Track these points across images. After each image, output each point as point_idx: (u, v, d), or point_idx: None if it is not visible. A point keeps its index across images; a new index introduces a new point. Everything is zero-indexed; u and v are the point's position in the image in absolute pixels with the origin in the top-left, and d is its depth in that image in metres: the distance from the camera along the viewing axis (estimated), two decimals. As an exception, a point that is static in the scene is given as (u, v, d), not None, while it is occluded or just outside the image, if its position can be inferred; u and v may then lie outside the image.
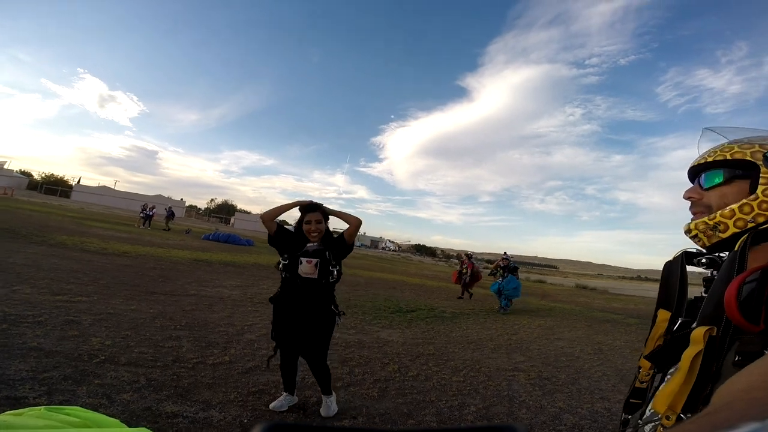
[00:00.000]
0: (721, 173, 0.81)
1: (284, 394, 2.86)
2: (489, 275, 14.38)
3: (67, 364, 2.93)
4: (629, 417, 0.96)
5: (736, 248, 0.70)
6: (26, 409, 1.00)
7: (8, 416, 0.94)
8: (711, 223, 0.80)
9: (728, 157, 0.80)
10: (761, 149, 0.77)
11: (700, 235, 0.82)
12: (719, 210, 0.79)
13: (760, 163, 0.75)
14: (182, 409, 2.55)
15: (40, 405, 1.07)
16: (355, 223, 2.79)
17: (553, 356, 5.55)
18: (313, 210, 2.71)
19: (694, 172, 0.89)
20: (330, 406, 2.81)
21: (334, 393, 2.89)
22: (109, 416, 1.07)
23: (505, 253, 11.22)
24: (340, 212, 2.84)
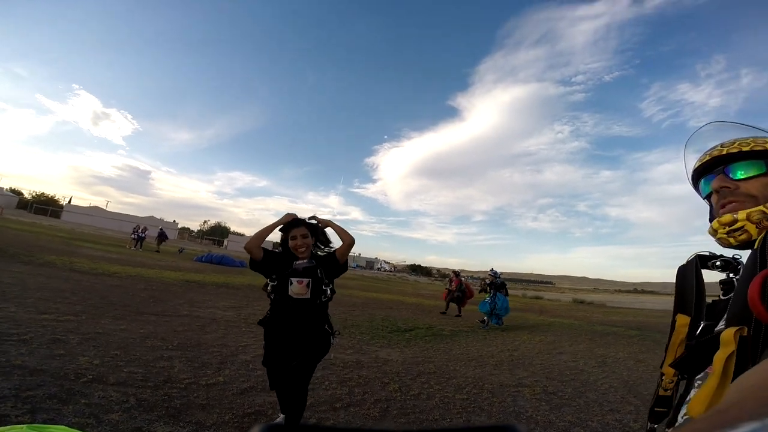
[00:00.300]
0: (761, 164, 0.78)
1: (281, 415, 2.70)
2: (480, 292, 14.31)
3: (53, 382, 2.78)
4: (655, 426, 0.92)
5: (756, 246, 0.68)
6: (8, 427, 0.98)
7: None
8: (756, 218, 0.74)
9: (757, 148, 0.78)
10: None
11: (748, 227, 0.75)
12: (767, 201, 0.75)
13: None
14: (174, 430, 2.40)
15: (23, 423, 1.01)
16: (348, 241, 2.61)
17: (557, 370, 5.43)
18: (297, 225, 2.53)
19: (718, 162, 0.84)
20: None
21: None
22: None
23: (492, 269, 11.19)
24: (338, 225, 2.67)
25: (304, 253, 2.49)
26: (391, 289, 21.49)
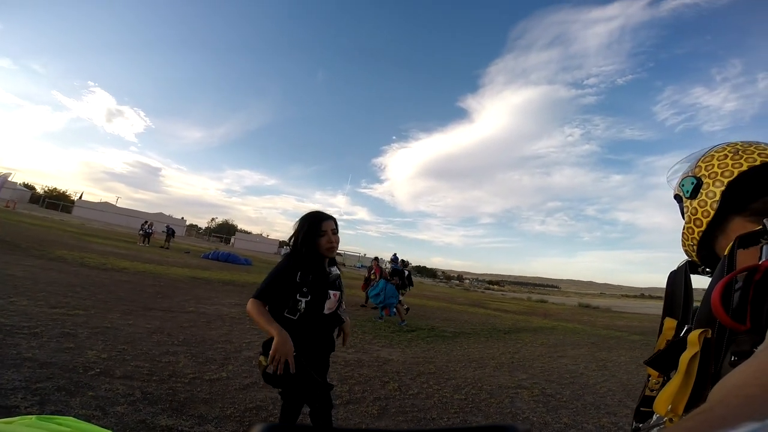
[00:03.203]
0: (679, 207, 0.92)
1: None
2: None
3: (62, 375, 2.88)
4: (640, 426, 0.96)
5: (725, 253, 0.73)
6: (17, 417, 1.00)
7: None
8: (684, 248, 0.91)
9: (675, 193, 0.92)
10: (681, 180, 0.88)
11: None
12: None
13: (681, 194, 0.87)
14: (177, 423, 2.48)
15: (32, 414, 1.07)
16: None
17: (557, 373, 5.45)
18: (328, 217, 2.05)
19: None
20: None
21: None
22: (102, 428, 1.05)
23: (394, 254, 10.48)
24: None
25: (333, 253, 2.09)
26: (395, 290, 21.52)
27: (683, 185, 0.85)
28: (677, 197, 0.90)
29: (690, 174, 0.85)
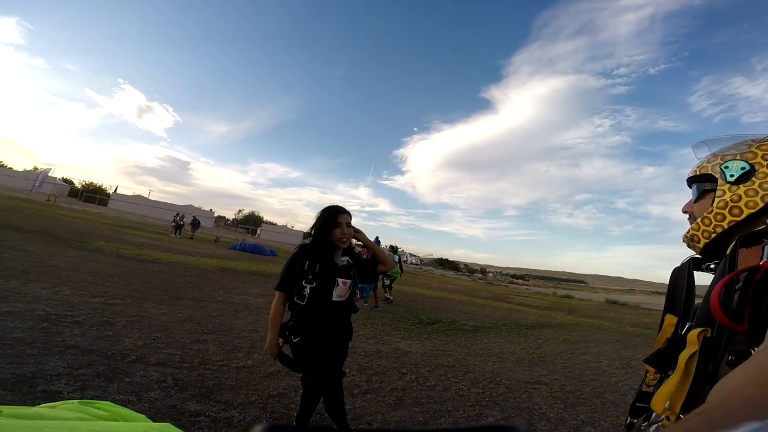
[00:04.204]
0: (695, 188, 0.90)
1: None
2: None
3: (101, 362, 3.10)
4: (635, 421, 0.98)
5: (728, 252, 0.73)
6: (60, 402, 1.08)
7: (43, 408, 1.03)
8: (689, 235, 0.88)
9: (698, 173, 0.88)
10: (721, 161, 0.82)
11: (691, 246, 0.90)
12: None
13: (718, 175, 0.82)
14: (205, 408, 2.65)
15: (74, 399, 1.16)
16: (391, 266, 2.42)
17: (578, 370, 5.40)
18: (344, 211, 2.20)
19: (689, 184, 0.96)
20: None
21: None
22: (137, 412, 1.16)
23: (376, 237, 10.10)
24: (378, 248, 2.36)
25: (346, 244, 2.21)
26: (416, 282, 21.60)
27: (728, 167, 0.80)
28: (704, 177, 0.85)
29: (739, 157, 0.79)
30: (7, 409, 0.95)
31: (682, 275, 0.95)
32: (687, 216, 0.95)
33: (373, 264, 2.38)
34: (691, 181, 0.91)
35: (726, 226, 0.78)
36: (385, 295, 9.97)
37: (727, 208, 0.78)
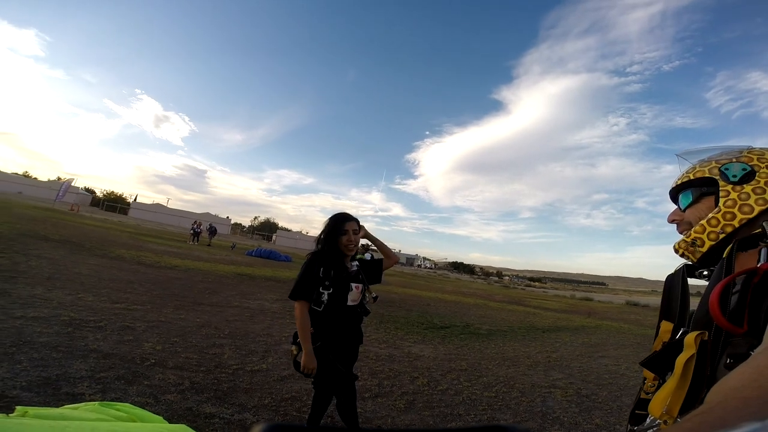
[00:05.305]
0: (689, 193, 0.90)
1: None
2: None
3: (121, 365, 3.22)
4: (635, 428, 0.97)
5: (724, 255, 0.75)
6: (82, 404, 1.16)
7: (66, 409, 1.10)
8: (689, 240, 0.87)
9: (692, 177, 0.89)
10: (717, 164, 0.84)
11: (686, 253, 0.89)
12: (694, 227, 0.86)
13: (718, 177, 0.83)
14: (219, 411, 2.72)
15: (95, 401, 1.22)
16: (396, 260, 2.57)
17: (595, 374, 5.32)
18: (350, 218, 2.29)
19: (673, 196, 0.98)
20: None
21: None
22: (154, 414, 1.22)
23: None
24: (383, 243, 2.52)
25: (353, 251, 2.30)
26: (430, 286, 21.51)
27: (728, 169, 0.82)
28: (700, 180, 0.87)
29: (735, 160, 0.82)
30: (32, 410, 1.02)
31: (677, 282, 0.96)
32: (675, 226, 0.95)
33: (378, 263, 2.50)
34: (683, 188, 0.92)
35: (737, 225, 0.78)
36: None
37: (737, 207, 0.78)
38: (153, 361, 3.44)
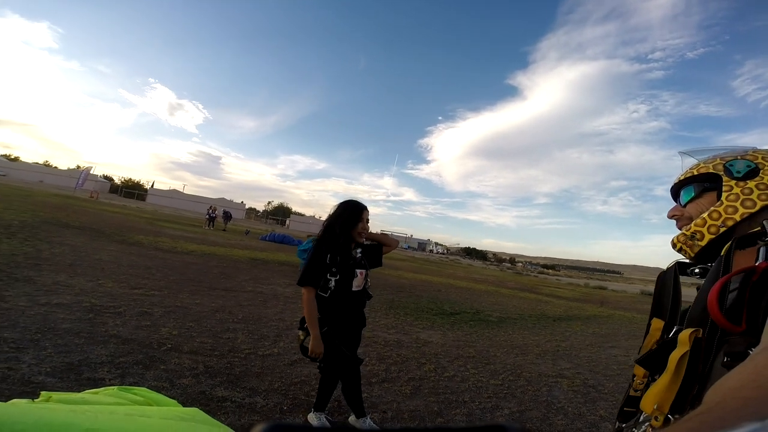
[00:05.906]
0: (692, 188, 0.91)
1: (322, 413, 2.62)
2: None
3: (139, 350, 3.37)
4: (623, 425, 0.97)
5: (722, 253, 0.75)
6: (102, 388, 1.23)
7: (87, 394, 1.18)
8: (688, 233, 0.87)
9: (695, 173, 0.89)
10: (722, 161, 0.85)
11: (684, 248, 0.89)
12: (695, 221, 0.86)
13: (722, 173, 0.84)
14: (231, 394, 2.84)
15: (114, 385, 1.30)
16: (395, 245, 2.71)
17: (604, 364, 5.33)
18: (365, 207, 2.39)
19: (674, 193, 0.98)
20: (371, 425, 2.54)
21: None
22: (169, 397, 1.29)
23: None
24: (381, 235, 2.71)
25: (364, 238, 2.40)
26: (441, 272, 21.57)
27: (733, 165, 0.83)
28: (704, 176, 0.88)
29: (740, 158, 0.83)
30: (56, 395, 1.11)
31: (669, 279, 0.96)
32: (675, 222, 0.96)
33: (378, 248, 2.57)
34: (685, 183, 0.92)
35: (738, 219, 0.79)
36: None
37: (739, 201, 0.79)
38: (169, 345, 3.58)
